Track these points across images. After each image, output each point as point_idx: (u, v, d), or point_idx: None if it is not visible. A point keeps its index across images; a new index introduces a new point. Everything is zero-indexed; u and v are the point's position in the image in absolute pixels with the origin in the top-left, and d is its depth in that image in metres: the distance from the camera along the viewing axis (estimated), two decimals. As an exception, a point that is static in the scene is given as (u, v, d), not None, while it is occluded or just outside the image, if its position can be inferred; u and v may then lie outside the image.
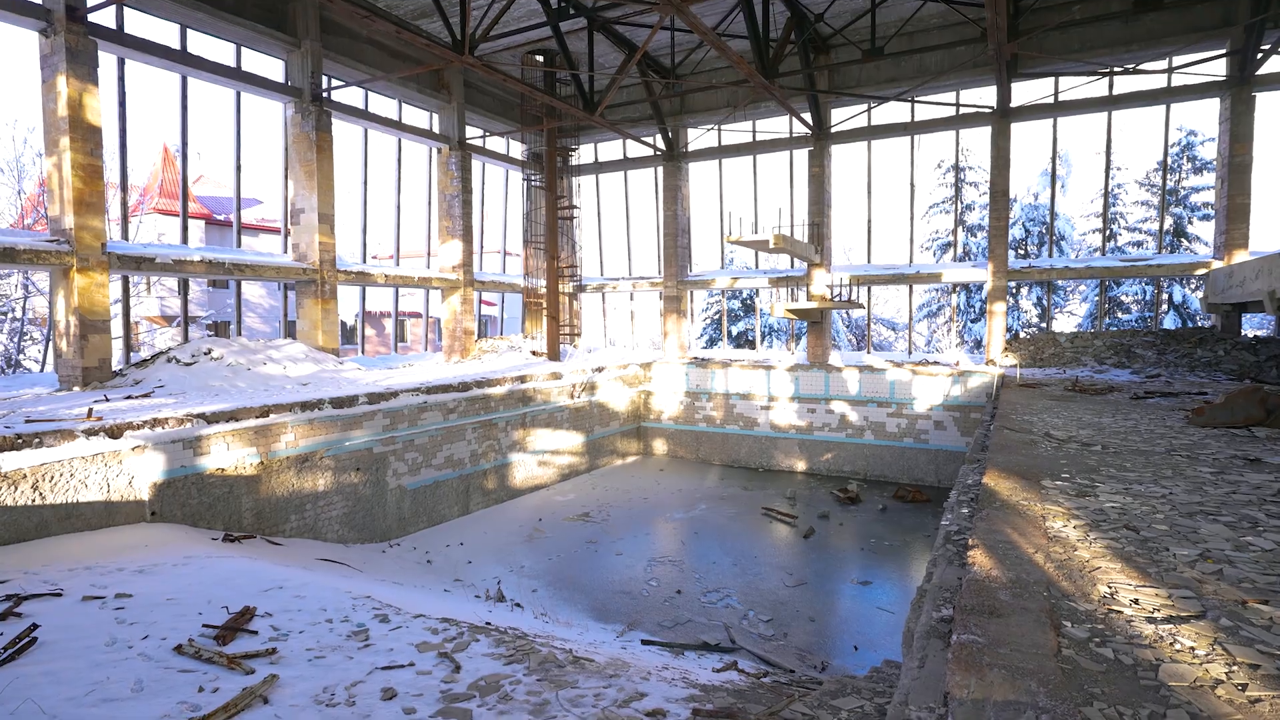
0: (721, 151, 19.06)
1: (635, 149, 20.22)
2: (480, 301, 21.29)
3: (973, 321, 27.71)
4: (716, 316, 32.12)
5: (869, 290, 18.29)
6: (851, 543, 11.45)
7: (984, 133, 15.86)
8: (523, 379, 14.07)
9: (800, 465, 16.48)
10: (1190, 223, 25.68)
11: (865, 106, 16.80)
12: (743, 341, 31.07)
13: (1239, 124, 13.58)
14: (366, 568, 8.88)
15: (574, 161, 20.20)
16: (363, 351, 18.40)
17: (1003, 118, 15.37)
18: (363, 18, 10.62)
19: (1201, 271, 14.43)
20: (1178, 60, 14.27)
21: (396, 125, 16.08)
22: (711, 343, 31.58)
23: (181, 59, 12.02)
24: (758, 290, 26.22)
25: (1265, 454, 5.93)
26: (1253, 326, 20.66)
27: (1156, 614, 2.81)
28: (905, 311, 24.63)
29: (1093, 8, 14.03)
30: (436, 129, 17.48)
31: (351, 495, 10.27)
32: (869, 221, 17.72)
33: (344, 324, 30.02)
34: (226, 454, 8.55)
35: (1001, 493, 4.74)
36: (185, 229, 13.21)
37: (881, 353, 22.64)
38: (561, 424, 15.12)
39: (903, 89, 15.82)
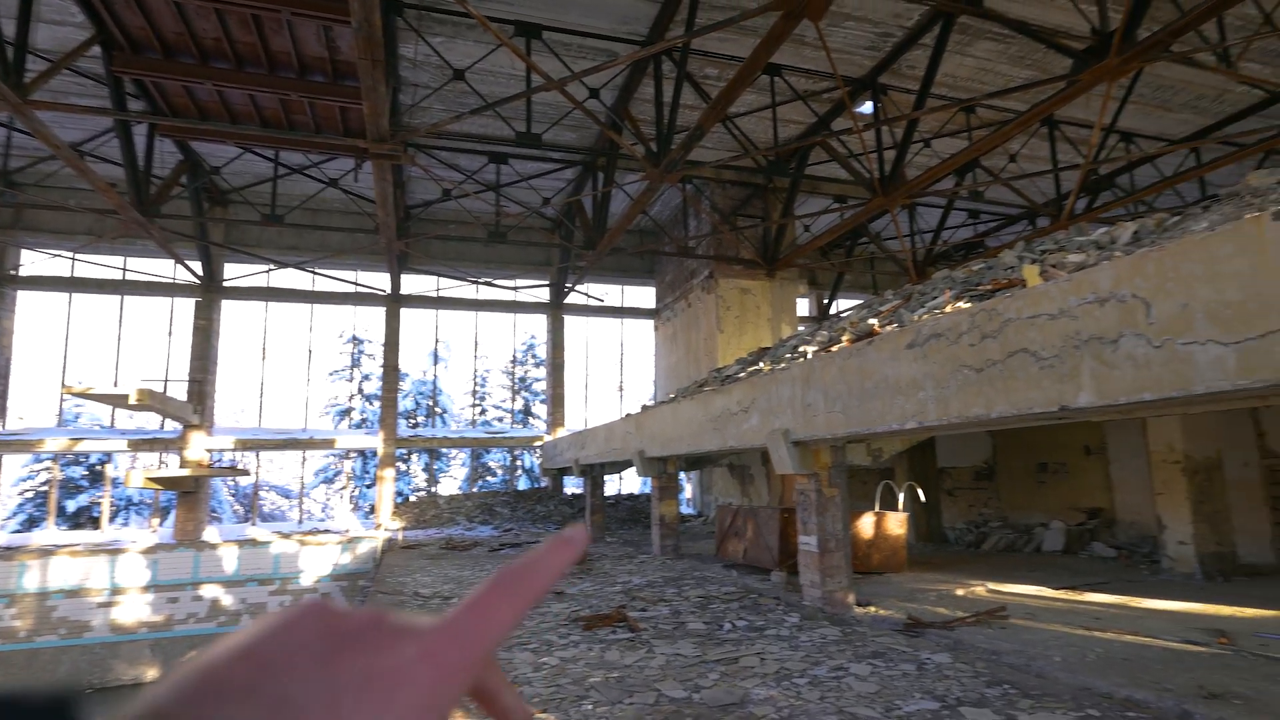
0: (75, 284, 15.65)
1: (-76, 257, 14.79)
2: None
3: (368, 487, 28.48)
4: (44, 488, 24.58)
5: (258, 455, 17.03)
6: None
7: (381, 311, 17.40)
8: None
9: (152, 673, 13.29)
10: (535, 405, 32.91)
11: (265, 267, 16.51)
12: (85, 519, 24.36)
13: (556, 335, 18.53)
14: None
15: None
16: None
17: (395, 302, 17.24)
18: None
19: (540, 443, 18.47)
20: (521, 282, 18.83)
21: None
22: (32, 524, 23.76)
23: None
24: (112, 455, 21.37)
25: (567, 587, 7.71)
26: (573, 485, 27.18)
27: (470, 744, 3.25)
28: (301, 478, 23.69)
29: (463, 230, 17.42)
30: None
31: None
32: (263, 383, 16.89)
33: None
34: None
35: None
36: None
37: (272, 523, 20.96)
38: None
39: (304, 259, 16.24)
